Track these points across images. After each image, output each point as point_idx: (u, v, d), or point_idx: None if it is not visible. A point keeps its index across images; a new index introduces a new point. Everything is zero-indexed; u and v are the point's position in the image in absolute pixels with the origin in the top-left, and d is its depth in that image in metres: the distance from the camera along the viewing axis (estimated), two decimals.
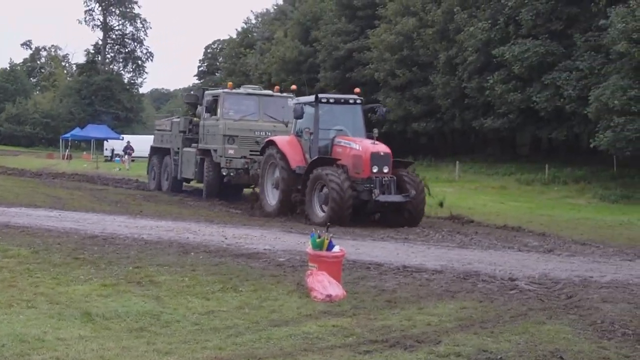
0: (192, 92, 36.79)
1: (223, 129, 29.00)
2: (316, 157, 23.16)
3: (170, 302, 10.40)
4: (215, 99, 29.99)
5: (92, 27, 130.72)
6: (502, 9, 45.30)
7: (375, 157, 22.34)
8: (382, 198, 21.97)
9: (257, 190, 26.42)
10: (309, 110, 24.21)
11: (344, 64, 63.67)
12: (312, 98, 24.47)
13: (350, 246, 16.05)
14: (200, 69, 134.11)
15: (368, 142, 22.99)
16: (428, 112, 54.76)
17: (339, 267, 11.84)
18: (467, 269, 14.14)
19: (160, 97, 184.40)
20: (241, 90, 31.25)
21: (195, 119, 32.33)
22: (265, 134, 28.13)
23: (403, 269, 13.90)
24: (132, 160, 62.52)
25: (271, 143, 24.95)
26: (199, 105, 31.94)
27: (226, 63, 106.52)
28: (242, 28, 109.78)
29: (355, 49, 62.18)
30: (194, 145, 31.40)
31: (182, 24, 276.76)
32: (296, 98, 27.12)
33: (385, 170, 22.39)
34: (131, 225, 19.49)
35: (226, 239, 17.30)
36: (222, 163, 28.89)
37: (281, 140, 24.80)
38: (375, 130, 23.75)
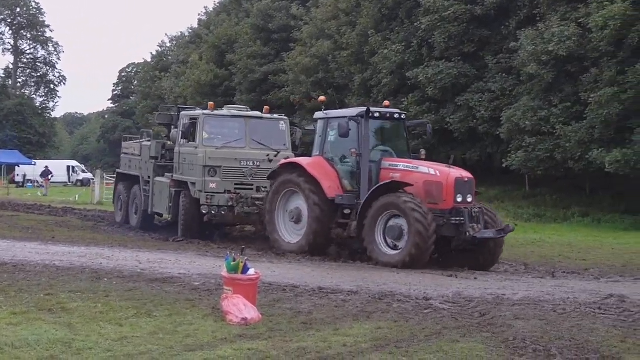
0: (165, 111, 30.08)
1: (203, 158, 23.82)
2: (380, 183, 19.08)
3: (83, 329, 10.17)
4: (194, 122, 24.72)
5: (3, 51, 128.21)
6: (416, 31, 45.88)
7: (460, 184, 18.59)
8: (481, 234, 18.26)
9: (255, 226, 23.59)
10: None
11: (260, 86, 63.83)
12: (355, 112, 20.37)
13: (266, 268, 16.00)
14: (114, 93, 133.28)
15: (443, 166, 19.45)
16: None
17: (255, 290, 11.76)
18: (382, 289, 14.20)
19: (74, 122, 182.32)
20: (224, 111, 25.67)
21: (169, 142, 27.06)
22: (254, 163, 24.00)
23: (319, 291, 13.90)
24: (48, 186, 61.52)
25: (291, 166, 20.90)
26: (172, 127, 27.13)
27: (141, 87, 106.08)
28: (157, 51, 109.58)
29: (271, 71, 62.41)
30: (167, 174, 26.13)
31: (95, 48, 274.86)
32: (333, 111, 22.36)
33: (469, 200, 18.68)
34: (42, 251, 19.02)
35: (140, 263, 17.03)
36: (202, 199, 23.72)
37: (309, 163, 20.61)
38: (423, 151, 21.23)
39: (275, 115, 25.82)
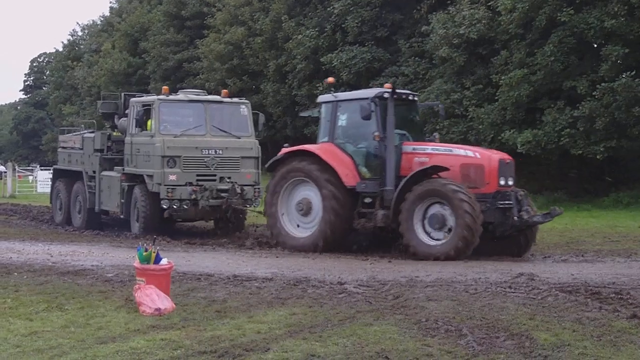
0: (108, 100, 27.62)
1: (161, 148, 21.67)
2: (421, 168, 17.54)
3: None
4: (147, 109, 22.42)
5: None
6: (329, 16, 45.96)
7: (503, 166, 17.48)
8: (533, 219, 17.48)
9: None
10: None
11: (175, 74, 63.40)
12: (373, 92, 18.81)
13: (181, 258, 15.95)
14: (26, 83, 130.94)
15: (481, 149, 18.86)
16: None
17: (168, 279, 11.71)
18: (297, 276, 14.24)
19: None
20: (180, 96, 23.42)
21: (115, 133, 25.13)
22: (216, 152, 22.15)
23: (233, 279, 13.86)
24: None
25: (299, 154, 19.30)
26: (116, 116, 25.34)
27: (53, 76, 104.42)
28: (69, 40, 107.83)
29: (185, 59, 62.02)
30: (117, 168, 23.99)
31: (5, 37, 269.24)
32: (342, 93, 20.61)
33: (510, 183, 17.66)
34: None
35: (52, 256, 16.79)
36: (162, 193, 21.57)
37: (320, 149, 18.92)
38: (437, 135, 20.35)
39: (236, 99, 24.02)
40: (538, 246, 19.14)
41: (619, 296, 11.74)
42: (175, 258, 13.86)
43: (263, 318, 10.55)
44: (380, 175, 18.20)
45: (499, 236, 17.62)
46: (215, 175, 22.16)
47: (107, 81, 70.38)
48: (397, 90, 18.96)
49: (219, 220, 23.20)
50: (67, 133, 29.86)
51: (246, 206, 22.57)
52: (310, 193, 18.97)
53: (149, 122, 22.39)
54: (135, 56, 69.40)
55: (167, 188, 21.56)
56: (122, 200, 23.10)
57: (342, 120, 19.31)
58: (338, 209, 18.21)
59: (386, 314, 10.70)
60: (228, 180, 22.12)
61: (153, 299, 10.95)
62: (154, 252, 11.62)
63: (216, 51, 55.85)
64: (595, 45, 33.43)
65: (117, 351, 8.82)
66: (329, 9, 45.85)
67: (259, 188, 22.68)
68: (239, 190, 21.97)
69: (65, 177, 27.35)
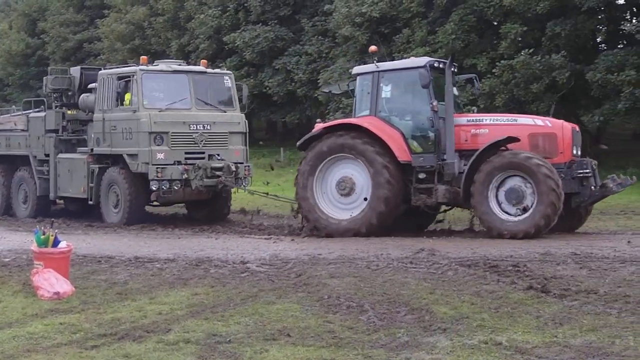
0: (60, 74, 24.48)
1: (147, 123, 19.68)
2: (495, 139, 16.25)
3: None
4: (126, 81, 20.19)
5: None
6: None
7: (575, 135, 16.68)
8: (616, 187, 16.54)
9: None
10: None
11: (75, 55, 62.24)
12: (423, 61, 17.46)
13: (81, 240, 15.78)
14: None
15: (547, 118, 17.74)
16: None
17: (67, 262, 11.57)
18: (199, 256, 14.19)
19: None
20: (162, 66, 21.22)
21: (70, 112, 22.70)
22: (204, 127, 20.30)
23: (135, 260, 13.76)
24: None
25: (341, 129, 17.52)
26: (69, 92, 23.11)
27: None
28: None
29: (85, 39, 60.97)
30: (81, 149, 21.92)
31: None
32: (385, 63, 18.89)
33: (579, 153, 16.88)
34: None
35: None
36: (151, 173, 19.49)
37: (367, 123, 17.17)
38: (474, 108, 19.28)
39: (217, 70, 22.44)
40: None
41: (516, 269, 11.98)
42: (74, 241, 13.68)
43: (165, 299, 10.52)
44: (436, 149, 16.92)
45: (574, 208, 16.59)
46: (203, 153, 20.30)
47: (5, 62, 68.69)
48: (440, 60, 18.23)
49: (205, 203, 21.37)
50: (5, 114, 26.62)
51: (240, 186, 20.90)
52: (351, 171, 17.34)
53: (127, 96, 20.33)
54: (34, 37, 67.90)
55: (157, 167, 19.52)
56: (91, 185, 20.92)
57: (386, 91, 17.65)
58: (394, 184, 16.69)
59: (289, 292, 10.75)
60: (218, 158, 20.27)
61: (51, 282, 10.82)
62: (52, 235, 11.47)
63: (117, 31, 55.03)
64: (495, 24, 33.99)
65: (14, 336, 8.69)
66: None
67: (248, 166, 21.02)
68: (233, 169, 20.12)
69: (1, 164, 24.56)
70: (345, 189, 17.29)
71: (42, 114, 23.29)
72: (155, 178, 19.45)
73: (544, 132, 16.59)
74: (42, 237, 11.43)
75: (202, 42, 47.21)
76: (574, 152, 16.51)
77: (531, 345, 7.92)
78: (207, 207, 21.51)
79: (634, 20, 30.66)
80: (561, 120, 17.16)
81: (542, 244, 14.91)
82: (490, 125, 16.91)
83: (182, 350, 8.03)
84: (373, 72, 17.59)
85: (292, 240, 16.82)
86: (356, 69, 18.44)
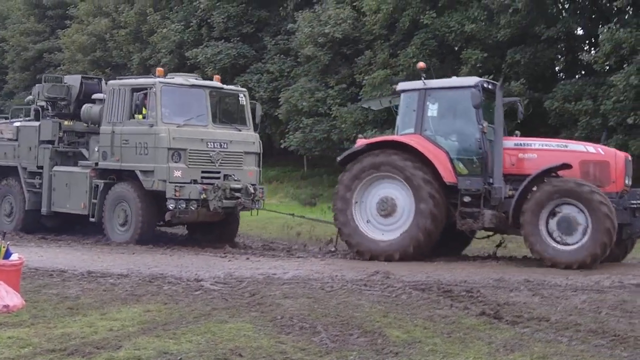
0: (56, 82, 22.89)
1: (166, 139, 18.67)
2: (550, 165, 15.97)
3: None
4: (143, 93, 19.14)
5: None
6: (195, 11, 45.54)
7: (628, 165, 16.31)
8: None
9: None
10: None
11: (34, 65, 61.76)
12: (473, 81, 17.11)
13: (34, 253, 15.63)
14: None
15: (599, 145, 17.00)
16: None
17: (18, 275, 11.39)
18: (153, 272, 14.14)
19: None
20: (181, 79, 20.03)
21: (66, 123, 21.50)
22: (221, 145, 19.37)
23: (88, 275, 13.70)
24: None
25: (384, 146, 17.04)
26: (64, 102, 22.01)
27: None
28: None
29: (45, 49, 60.49)
30: (82, 163, 20.68)
31: None
32: (433, 81, 17.94)
33: (630, 183, 16.48)
34: None
35: None
36: (169, 191, 18.50)
37: (414, 141, 16.71)
38: (518, 132, 18.51)
39: (232, 87, 21.50)
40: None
41: (470, 294, 12.08)
42: (27, 253, 13.58)
43: (116, 315, 10.40)
44: (482, 172, 16.58)
45: (625, 238, 16.30)
46: (219, 173, 19.43)
47: None
48: (491, 81, 17.85)
49: (213, 225, 20.53)
50: None
51: (255, 208, 20.03)
52: (394, 191, 16.85)
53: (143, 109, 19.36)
54: None
55: (175, 186, 18.54)
56: (94, 201, 19.84)
57: (433, 110, 17.31)
58: (436, 213, 16.26)
59: (242, 311, 10.70)
60: (234, 179, 19.48)
61: (1, 295, 10.61)
62: (3, 247, 11.31)
63: (78, 42, 54.66)
64: (456, 49, 34.22)
65: None
66: (194, 3, 45.45)
67: (262, 188, 20.31)
68: (252, 190, 19.48)
69: None
70: (386, 210, 16.83)
71: (35, 123, 21.95)
72: (173, 197, 18.48)
73: (597, 159, 16.17)
74: None
75: (164, 57, 46.98)
76: (626, 181, 16.13)
77: None
78: (217, 230, 20.62)
79: (592, 52, 30.94)
80: (614, 149, 16.90)
81: (496, 270, 15.09)
82: (539, 150, 16.55)
83: None
84: (420, 89, 17.17)
85: (247, 259, 16.82)
86: (401, 85, 17.97)
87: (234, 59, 42.11)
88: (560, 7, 33.10)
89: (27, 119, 22.81)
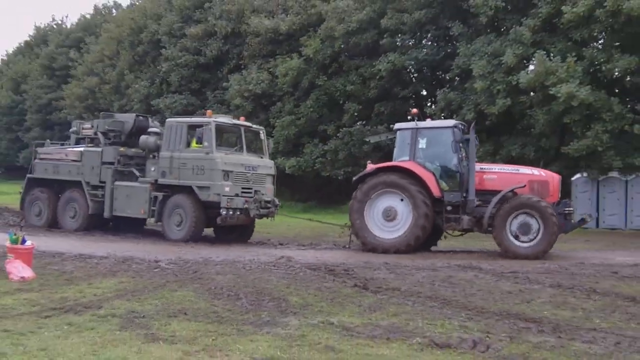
0: (114, 119, 21.73)
1: (221, 163, 18.12)
2: (517, 186, 15.84)
3: None
4: (198, 129, 18.36)
5: None
6: (158, 72, 44.96)
7: (560, 183, 16.34)
8: (579, 223, 16.43)
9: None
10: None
11: (46, 108, 61.15)
12: (452, 123, 16.78)
13: (42, 241, 15.20)
14: None
15: (542, 169, 17.13)
16: None
17: (30, 256, 11.23)
18: (125, 255, 13.95)
19: None
20: (226, 119, 19.55)
21: (122, 149, 20.42)
22: (254, 169, 18.91)
23: (79, 256, 13.47)
24: None
25: (389, 169, 16.64)
26: (117, 134, 20.98)
27: None
28: None
29: (54, 98, 59.81)
30: (142, 179, 19.47)
31: None
32: (423, 122, 17.53)
33: (560, 196, 16.42)
34: None
35: None
36: (223, 202, 17.87)
37: (410, 166, 16.45)
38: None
39: (256, 126, 20.58)
40: (296, 238, 19.45)
41: (347, 272, 12.13)
42: (37, 241, 13.30)
43: (99, 285, 10.32)
44: (460, 188, 16.26)
45: (565, 234, 16.36)
46: (251, 189, 18.74)
47: None
48: (462, 122, 17.54)
49: (235, 228, 19.54)
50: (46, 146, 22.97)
51: (273, 215, 19.41)
52: (393, 203, 16.43)
53: (193, 141, 18.58)
54: (17, 94, 66.84)
55: (227, 198, 17.90)
56: (153, 208, 18.82)
57: (422, 143, 16.93)
58: (429, 215, 15.97)
59: (187, 284, 10.66)
60: (262, 193, 18.89)
61: (19, 269, 10.61)
62: (21, 237, 11.22)
63: (76, 93, 53.93)
64: (341, 102, 34.66)
65: None
66: (158, 67, 45.00)
67: (277, 201, 19.60)
68: (278, 202, 19.29)
69: (46, 186, 21.49)
70: (390, 216, 16.39)
71: (97, 149, 20.64)
72: (226, 207, 17.84)
73: (540, 179, 16.03)
74: (14, 237, 11.15)
75: (136, 104, 46.24)
76: (559, 195, 16.09)
77: (354, 325, 8.02)
78: (237, 232, 19.65)
79: (432, 106, 31.63)
80: (550, 172, 16.78)
81: (364, 256, 15.21)
82: (498, 172, 16.41)
83: (109, 321, 7.91)
84: (412, 128, 16.93)
85: (192, 247, 16.66)
86: (398, 125, 17.51)
87: (185, 107, 41.67)
88: (411, 75, 33.83)
89: (90, 145, 21.09)
